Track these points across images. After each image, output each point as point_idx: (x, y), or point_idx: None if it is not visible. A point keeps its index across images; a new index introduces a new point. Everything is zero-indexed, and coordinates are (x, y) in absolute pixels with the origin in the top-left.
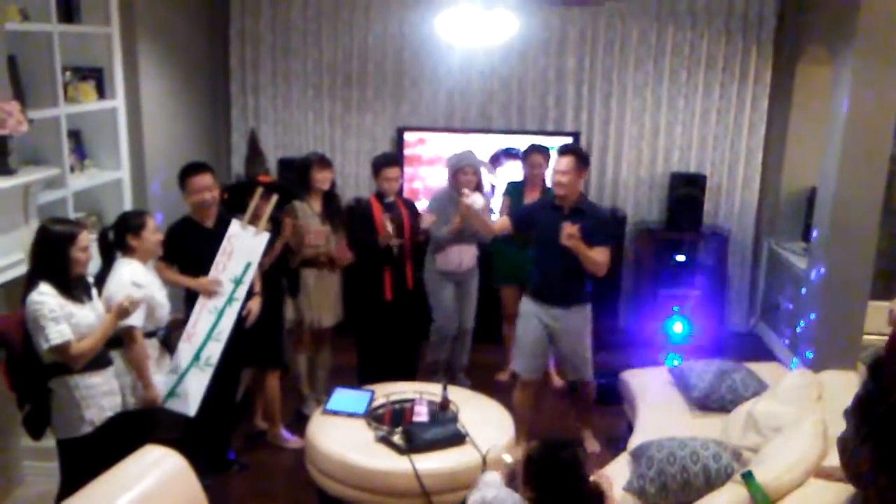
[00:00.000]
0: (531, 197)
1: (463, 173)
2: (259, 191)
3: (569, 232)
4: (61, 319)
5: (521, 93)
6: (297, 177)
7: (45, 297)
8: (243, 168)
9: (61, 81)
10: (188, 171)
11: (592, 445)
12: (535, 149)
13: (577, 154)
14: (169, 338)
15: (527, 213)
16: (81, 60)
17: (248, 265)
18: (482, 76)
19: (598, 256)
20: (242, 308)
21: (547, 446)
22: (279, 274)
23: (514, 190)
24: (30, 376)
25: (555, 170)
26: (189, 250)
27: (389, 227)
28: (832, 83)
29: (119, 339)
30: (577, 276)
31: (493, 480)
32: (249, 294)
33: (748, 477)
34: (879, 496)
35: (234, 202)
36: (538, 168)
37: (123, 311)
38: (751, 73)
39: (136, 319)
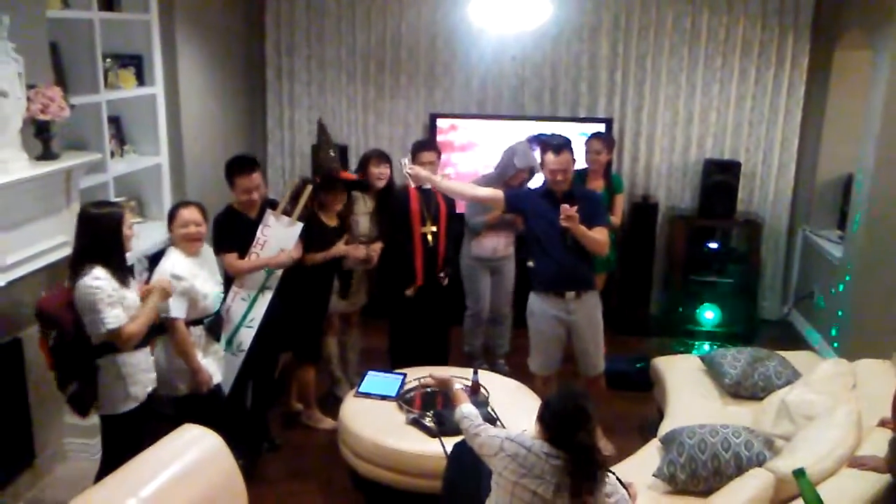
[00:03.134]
0: (594, 185)
1: (521, 172)
2: (295, 181)
3: (568, 213)
4: (116, 304)
5: (554, 79)
6: (356, 171)
7: (101, 281)
8: (311, 157)
9: (102, 68)
10: (237, 170)
11: (606, 447)
12: (593, 136)
13: (571, 147)
14: (216, 325)
15: (523, 198)
16: (121, 48)
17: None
18: (515, 62)
19: (599, 236)
20: (294, 307)
21: (561, 395)
22: (331, 273)
23: (577, 178)
24: (78, 356)
25: (553, 168)
26: (234, 240)
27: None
28: (870, 68)
29: (163, 328)
30: (584, 259)
31: (472, 412)
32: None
33: (799, 474)
34: None
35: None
36: (595, 154)
37: (165, 293)
38: (787, 59)
39: (176, 311)
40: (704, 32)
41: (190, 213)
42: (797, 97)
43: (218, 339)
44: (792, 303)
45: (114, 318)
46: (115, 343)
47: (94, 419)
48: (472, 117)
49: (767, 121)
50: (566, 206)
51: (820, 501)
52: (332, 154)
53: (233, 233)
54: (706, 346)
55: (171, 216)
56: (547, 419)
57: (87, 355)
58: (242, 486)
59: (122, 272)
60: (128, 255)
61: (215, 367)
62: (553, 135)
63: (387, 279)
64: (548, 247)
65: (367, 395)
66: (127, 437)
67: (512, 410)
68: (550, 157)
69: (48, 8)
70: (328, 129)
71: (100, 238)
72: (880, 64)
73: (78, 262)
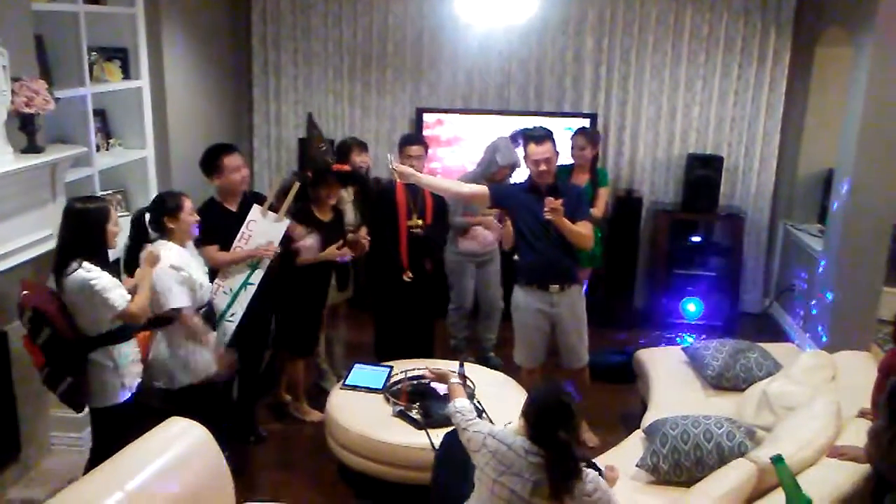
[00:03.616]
0: (579, 180)
1: (504, 169)
2: (282, 177)
3: (552, 206)
4: (116, 286)
5: (539, 74)
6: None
7: (94, 272)
8: (298, 151)
9: (87, 61)
10: (221, 152)
11: (591, 439)
12: (579, 131)
13: (553, 139)
14: (211, 314)
15: (508, 193)
16: (107, 41)
17: None
18: (500, 57)
19: (582, 229)
20: (281, 303)
21: (543, 391)
22: (328, 269)
23: (562, 173)
24: (71, 351)
25: (536, 159)
26: (215, 233)
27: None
28: (851, 65)
29: (165, 320)
30: (569, 253)
31: (465, 406)
32: (282, 287)
33: (778, 461)
34: None
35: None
36: (580, 150)
37: (154, 259)
38: (769, 55)
39: (181, 301)
40: (688, 28)
41: (191, 203)
42: (779, 93)
43: (214, 328)
44: (773, 296)
45: (121, 297)
46: (131, 321)
47: (77, 413)
48: (458, 112)
49: (749, 116)
50: (550, 198)
51: (797, 487)
52: (323, 148)
53: (214, 225)
54: (689, 339)
55: (176, 207)
56: (528, 415)
57: (81, 350)
58: (229, 477)
59: (107, 267)
60: (112, 251)
61: (211, 357)
62: (535, 127)
63: (373, 272)
64: (532, 240)
65: (354, 388)
66: (118, 429)
67: (498, 403)
68: (533, 147)
69: (33, 0)
70: (318, 124)
71: (84, 233)
72: (861, 60)
73: (62, 259)
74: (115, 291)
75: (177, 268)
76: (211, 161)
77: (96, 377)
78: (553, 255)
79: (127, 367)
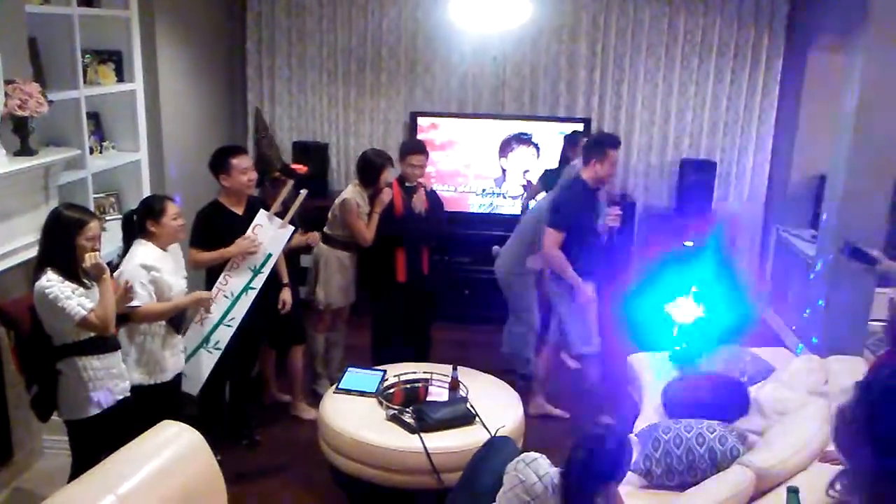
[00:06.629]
0: None
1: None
2: (290, 183)
3: (618, 213)
4: (74, 296)
5: (534, 78)
6: (361, 170)
7: (53, 281)
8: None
9: (81, 64)
10: (230, 153)
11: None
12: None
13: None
14: (177, 318)
15: (574, 211)
16: (101, 43)
17: (269, 256)
18: (495, 62)
19: None
20: (274, 299)
21: (585, 437)
22: (297, 256)
23: (553, 177)
24: (38, 359)
25: (614, 164)
26: (218, 235)
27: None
28: (843, 70)
29: (124, 317)
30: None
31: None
32: (279, 285)
33: (793, 493)
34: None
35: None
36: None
37: (100, 269)
38: (762, 60)
39: (140, 300)
40: (681, 33)
41: (177, 208)
42: (771, 98)
43: (178, 332)
44: (766, 300)
45: (77, 307)
46: (97, 332)
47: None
48: (452, 116)
49: (742, 121)
50: (615, 208)
51: None
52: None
53: (217, 227)
54: (682, 344)
55: (160, 210)
56: (571, 460)
57: (48, 358)
58: (222, 482)
59: (75, 279)
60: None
61: (174, 360)
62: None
63: (370, 276)
64: (591, 239)
65: (347, 392)
66: (93, 442)
67: (490, 406)
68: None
69: (27, 3)
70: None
71: (54, 242)
72: (852, 66)
73: (38, 262)
74: (72, 301)
75: (148, 267)
76: (219, 161)
77: (65, 388)
78: (601, 250)
79: (101, 381)
